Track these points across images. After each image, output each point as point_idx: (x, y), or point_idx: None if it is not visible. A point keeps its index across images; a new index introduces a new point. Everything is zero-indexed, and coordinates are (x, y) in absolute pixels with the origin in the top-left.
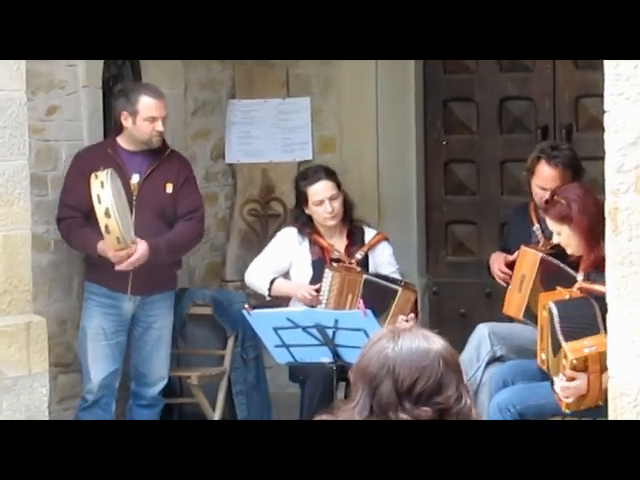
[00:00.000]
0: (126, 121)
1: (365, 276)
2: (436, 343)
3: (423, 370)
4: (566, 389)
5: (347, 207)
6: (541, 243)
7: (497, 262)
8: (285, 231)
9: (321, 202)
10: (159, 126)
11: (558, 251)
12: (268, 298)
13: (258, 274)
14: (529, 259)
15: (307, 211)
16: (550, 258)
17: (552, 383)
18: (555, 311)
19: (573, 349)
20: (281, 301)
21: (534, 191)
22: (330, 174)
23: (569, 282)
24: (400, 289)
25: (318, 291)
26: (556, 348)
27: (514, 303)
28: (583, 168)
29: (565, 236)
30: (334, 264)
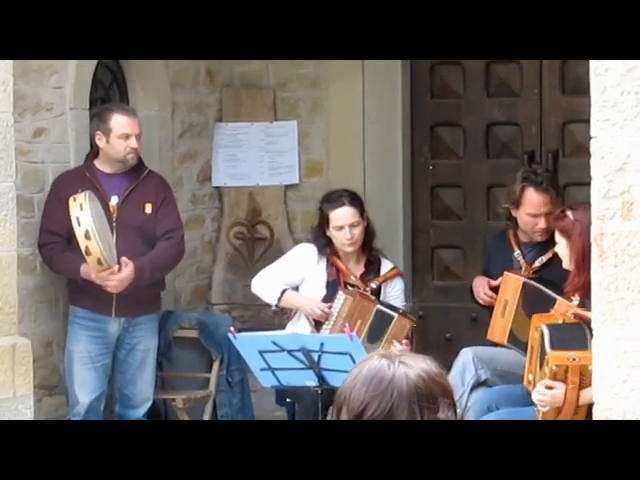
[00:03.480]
0: (100, 141)
1: (378, 306)
2: (411, 370)
3: (371, 400)
4: (543, 396)
5: (368, 235)
6: (523, 268)
7: (481, 286)
8: (303, 246)
9: (341, 228)
10: (133, 143)
11: (541, 276)
12: (274, 308)
13: (268, 283)
14: (512, 284)
15: (328, 233)
16: (532, 282)
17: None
18: (547, 333)
19: (556, 356)
20: (285, 317)
21: (524, 220)
22: (354, 200)
23: (551, 306)
24: (396, 315)
25: (328, 310)
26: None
27: (498, 329)
28: (560, 187)
29: (562, 248)
30: (349, 288)
